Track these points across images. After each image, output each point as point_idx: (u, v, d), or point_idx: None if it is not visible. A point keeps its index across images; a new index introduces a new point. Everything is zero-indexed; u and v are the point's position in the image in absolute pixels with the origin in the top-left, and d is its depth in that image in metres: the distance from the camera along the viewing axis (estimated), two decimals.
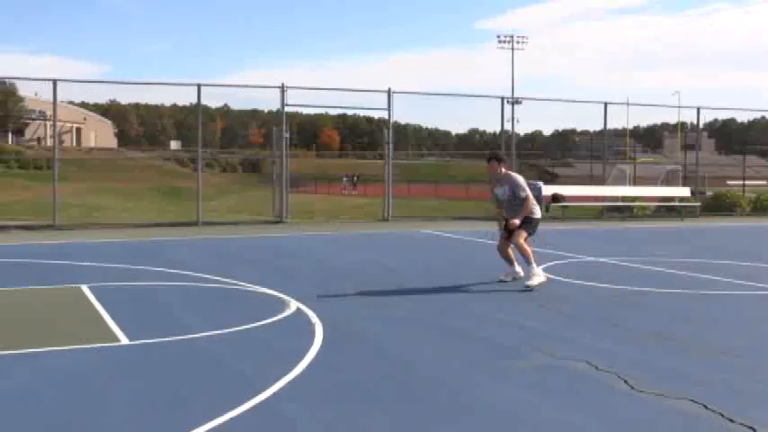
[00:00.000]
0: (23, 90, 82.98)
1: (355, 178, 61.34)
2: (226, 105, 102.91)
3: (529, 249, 10.17)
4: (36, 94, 72.48)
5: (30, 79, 23.07)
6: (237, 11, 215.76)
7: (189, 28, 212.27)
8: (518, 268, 10.55)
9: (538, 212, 10.53)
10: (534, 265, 10.10)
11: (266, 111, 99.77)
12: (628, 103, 30.79)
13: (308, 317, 8.11)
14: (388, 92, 22.15)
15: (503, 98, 25.11)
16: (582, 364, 6.29)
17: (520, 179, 10.43)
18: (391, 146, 22.68)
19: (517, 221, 10.14)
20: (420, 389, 5.62)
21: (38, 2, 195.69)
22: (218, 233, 18.34)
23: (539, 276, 10.03)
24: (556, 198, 24.45)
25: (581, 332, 7.61)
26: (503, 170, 10.47)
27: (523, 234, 10.21)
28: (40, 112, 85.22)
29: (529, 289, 9.87)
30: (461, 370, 6.16)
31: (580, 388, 5.65)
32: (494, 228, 10.84)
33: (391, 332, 7.59)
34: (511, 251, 10.52)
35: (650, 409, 5.14)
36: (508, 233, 10.40)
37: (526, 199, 10.28)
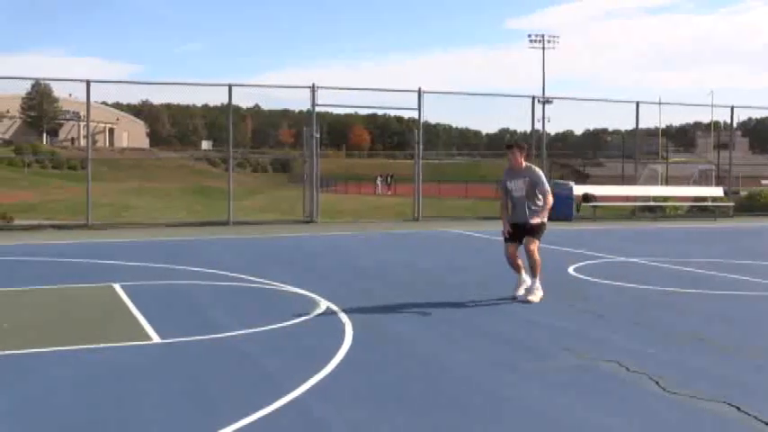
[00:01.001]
0: (58, 91, 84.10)
1: (389, 178, 61.31)
2: (257, 105, 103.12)
3: (539, 260, 9.21)
4: (70, 95, 73.40)
5: (64, 80, 23.45)
6: (269, 11, 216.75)
7: (220, 29, 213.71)
8: (525, 276, 9.45)
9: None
10: (539, 279, 9.23)
11: (297, 111, 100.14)
12: (660, 103, 30.38)
13: (338, 316, 8.13)
14: (419, 91, 22.14)
15: (534, 97, 25.03)
16: (613, 364, 6.25)
17: (541, 173, 9.37)
18: (421, 145, 22.66)
19: (538, 220, 9.05)
20: (451, 389, 5.61)
21: (72, 4, 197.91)
22: (248, 233, 18.43)
23: (540, 292, 9.19)
24: (587, 198, 24.33)
25: (611, 333, 7.56)
26: (523, 161, 9.34)
27: (537, 241, 9.19)
28: (73, 112, 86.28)
29: (527, 302, 9.07)
30: (493, 371, 6.14)
31: (611, 389, 5.62)
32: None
33: (422, 332, 7.58)
34: (520, 260, 9.42)
35: (682, 411, 5.10)
36: (517, 238, 9.32)
37: (548, 194, 9.18)
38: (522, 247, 9.27)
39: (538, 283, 9.22)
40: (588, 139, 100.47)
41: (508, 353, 6.75)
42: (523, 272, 9.44)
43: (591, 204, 24.26)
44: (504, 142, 9.97)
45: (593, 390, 5.61)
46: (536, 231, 9.17)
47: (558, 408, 5.19)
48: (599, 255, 14.01)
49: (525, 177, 9.18)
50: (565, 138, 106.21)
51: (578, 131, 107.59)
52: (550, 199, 9.18)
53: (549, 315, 8.38)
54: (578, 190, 24.36)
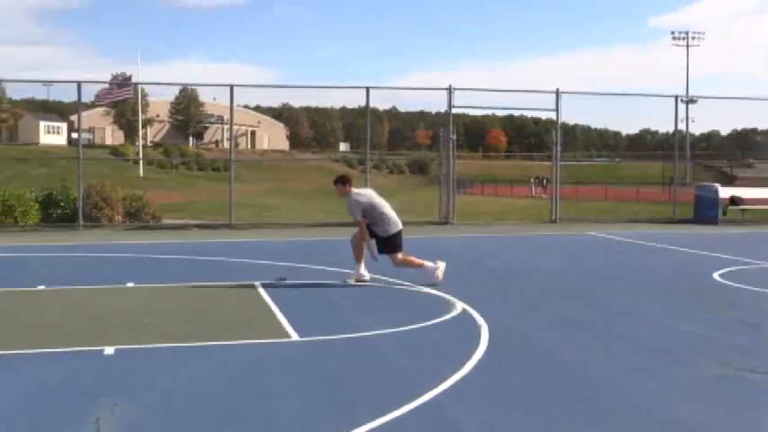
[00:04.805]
0: (203, 96, 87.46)
1: (544, 181, 60.42)
2: (394, 107, 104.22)
3: (412, 258, 10.49)
4: (214, 99, 76.16)
5: (209, 85, 24.77)
6: (406, 14, 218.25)
7: (359, 32, 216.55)
8: (363, 271, 10.47)
9: (393, 227, 10.45)
10: (425, 264, 10.38)
11: (433, 112, 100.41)
12: None
13: (474, 318, 8.09)
14: (557, 92, 21.78)
15: (677, 97, 24.22)
16: (760, 376, 5.98)
17: (353, 203, 10.41)
18: (559, 147, 22.29)
19: (376, 256, 10.49)
20: (588, 395, 5.51)
21: (216, 12, 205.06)
22: None
23: (440, 270, 10.24)
24: (734, 201, 23.36)
25: (759, 343, 7.24)
26: (349, 190, 10.57)
27: (398, 256, 10.41)
28: (217, 116, 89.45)
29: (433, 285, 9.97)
30: (632, 377, 5.98)
31: (759, 402, 5.37)
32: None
33: (559, 336, 7.47)
34: (364, 253, 10.53)
35: None
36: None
37: (359, 223, 10.41)
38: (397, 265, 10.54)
39: (427, 264, 10.34)
40: (735, 139, 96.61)
41: (648, 359, 6.56)
42: (363, 266, 10.50)
43: (739, 207, 23.26)
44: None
45: (738, 402, 5.38)
46: (388, 249, 10.44)
47: (700, 419, 5.01)
48: (747, 260, 13.39)
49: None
50: (709, 138, 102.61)
51: (724, 131, 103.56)
52: (362, 229, 10.41)
53: (692, 321, 8.09)
54: (724, 192, 23.39)
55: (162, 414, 5.06)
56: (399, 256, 10.40)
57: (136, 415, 5.03)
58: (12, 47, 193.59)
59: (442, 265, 10.26)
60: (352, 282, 10.39)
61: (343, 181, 10.77)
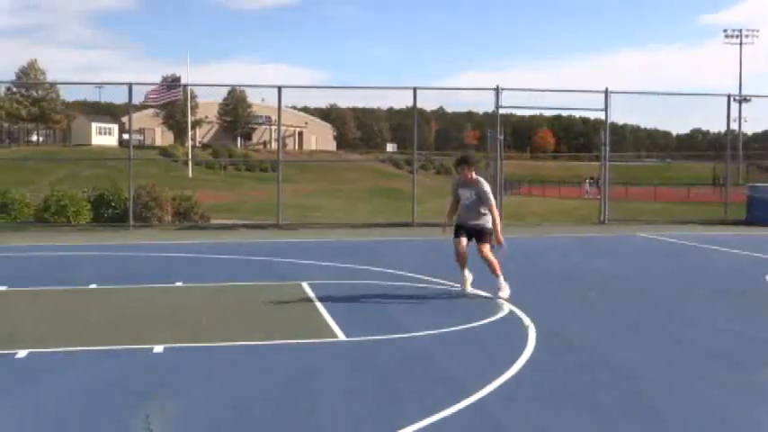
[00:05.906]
0: (251, 97, 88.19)
1: (599, 181, 59.80)
2: (441, 108, 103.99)
3: (495, 260, 9.58)
4: (262, 100, 76.74)
5: (257, 86, 24.90)
6: (453, 14, 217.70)
7: (406, 34, 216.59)
8: (468, 272, 9.75)
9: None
10: (502, 276, 9.47)
11: (481, 112, 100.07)
12: None
13: (522, 320, 8.03)
14: (605, 92, 21.55)
15: (729, 96, 23.80)
16: None
17: (487, 187, 9.68)
18: (608, 147, 22.05)
19: (503, 239, 9.57)
20: (641, 399, 5.42)
21: (263, 15, 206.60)
22: (432, 234, 18.50)
23: (507, 287, 9.39)
24: None
25: None
26: (473, 175, 9.78)
27: (487, 247, 9.59)
28: (265, 117, 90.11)
29: (499, 299, 9.20)
30: (687, 382, 5.87)
31: None
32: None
33: (608, 338, 7.38)
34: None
35: None
36: (466, 236, 9.66)
37: (492, 207, 9.59)
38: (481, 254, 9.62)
39: (502, 280, 9.46)
40: None
41: (705, 363, 6.45)
42: (467, 268, 9.74)
43: None
44: (457, 160, 10.19)
45: None
46: (486, 236, 9.61)
47: (757, 423, 4.90)
48: None
49: (474, 189, 9.67)
50: (764, 138, 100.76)
51: None
52: (496, 212, 9.72)
53: (745, 324, 7.94)
54: None
55: (210, 412, 5.09)
56: (488, 248, 9.61)
57: (185, 413, 5.07)
58: (65, 49, 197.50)
59: (507, 291, 9.39)
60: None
61: (470, 162, 9.91)
